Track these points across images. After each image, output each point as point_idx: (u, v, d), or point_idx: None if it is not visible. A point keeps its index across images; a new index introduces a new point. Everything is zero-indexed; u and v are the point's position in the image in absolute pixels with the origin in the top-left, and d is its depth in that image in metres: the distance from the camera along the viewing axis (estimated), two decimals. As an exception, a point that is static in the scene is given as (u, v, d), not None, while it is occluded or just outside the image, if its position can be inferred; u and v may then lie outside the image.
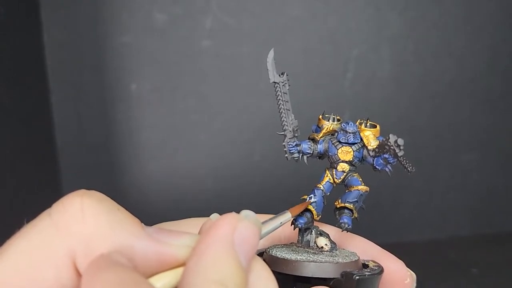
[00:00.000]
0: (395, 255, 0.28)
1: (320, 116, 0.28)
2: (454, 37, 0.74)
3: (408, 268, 0.27)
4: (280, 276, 0.24)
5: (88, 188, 0.20)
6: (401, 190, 0.76)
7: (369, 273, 0.25)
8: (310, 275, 0.25)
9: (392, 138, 0.25)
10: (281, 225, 0.24)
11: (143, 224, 0.20)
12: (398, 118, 0.73)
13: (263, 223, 0.23)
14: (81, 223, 0.19)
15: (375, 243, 0.29)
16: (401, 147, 0.25)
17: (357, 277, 0.24)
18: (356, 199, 0.27)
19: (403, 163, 0.26)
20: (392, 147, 0.25)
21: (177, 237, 0.20)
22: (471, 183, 0.78)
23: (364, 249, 0.28)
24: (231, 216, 0.20)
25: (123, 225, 0.19)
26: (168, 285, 0.20)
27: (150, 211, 0.69)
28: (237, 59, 0.69)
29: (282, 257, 0.25)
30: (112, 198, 0.21)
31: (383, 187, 0.74)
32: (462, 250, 0.73)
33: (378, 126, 0.27)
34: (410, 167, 0.26)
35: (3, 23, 0.54)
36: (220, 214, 0.30)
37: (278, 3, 0.69)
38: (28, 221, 0.20)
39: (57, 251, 0.19)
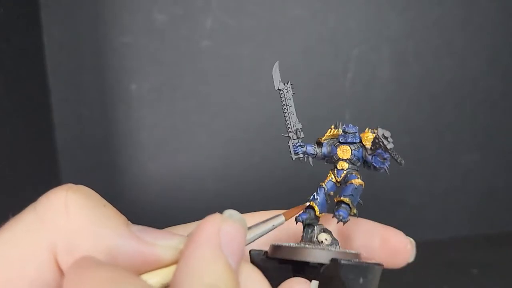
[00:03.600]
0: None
1: (332, 126, 0.29)
2: (454, 37, 0.74)
3: (406, 236, 0.29)
4: (278, 266, 0.25)
5: (88, 188, 0.20)
6: (401, 190, 0.76)
7: (357, 262, 0.25)
8: (299, 259, 0.25)
9: (380, 131, 0.26)
10: (274, 228, 0.24)
11: (129, 222, 0.20)
12: (398, 118, 0.73)
13: (254, 226, 0.23)
14: (64, 218, 0.19)
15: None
16: (389, 139, 0.26)
17: (343, 262, 0.24)
18: (351, 193, 0.27)
19: (393, 155, 0.26)
20: (381, 140, 0.26)
21: (163, 237, 0.20)
22: (471, 183, 0.78)
23: (365, 228, 0.29)
24: (214, 217, 0.20)
25: (107, 222, 0.19)
26: (157, 285, 0.19)
27: (150, 210, 0.69)
28: (237, 59, 0.69)
29: (279, 244, 0.26)
30: (111, 198, 0.21)
31: (384, 187, 0.74)
32: (462, 250, 0.73)
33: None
34: (399, 159, 0.27)
35: (3, 23, 0.54)
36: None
37: (278, 3, 0.69)
38: (13, 215, 0.20)
39: (39, 245, 0.18)
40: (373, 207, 0.74)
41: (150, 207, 0.70)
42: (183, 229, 0.28)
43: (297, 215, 0.27)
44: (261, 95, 0.69)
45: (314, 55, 0.71)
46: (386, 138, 0.26)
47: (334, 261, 0.24)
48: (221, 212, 0.20)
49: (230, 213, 0.20)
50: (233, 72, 0.70)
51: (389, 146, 0.26)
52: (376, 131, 0.27)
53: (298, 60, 0.71)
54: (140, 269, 0.19)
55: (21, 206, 0.20)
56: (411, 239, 0.29)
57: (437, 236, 0.76)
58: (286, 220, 0.25)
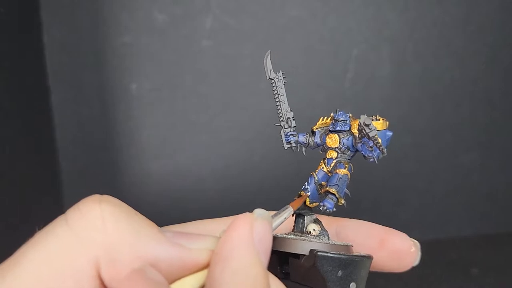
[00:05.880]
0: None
1: (332, 114, 0.28)
2: (454, 37, 0.74)
3: (411, 238, 0.28)
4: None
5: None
6: (402, 190, 0.75)
7: (334, 253, 0.24)
8: (280, 249, 0.25)
9: (361, 118, 0.26)
10: (285, 220, 0.24)
11: (159, 227, 0.20)
12: (398, 118, 0.73)
13: None
14: (103, 231, 0.19)
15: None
16: (370, 127, 0.25)
17: (319, 253, 0.24)
18: (336, 183, 0.26)
19: (376, 143, 0.26)
20: (363, 128, 0.25)
21: (197, 240, 0.20)
22: (471, 183, 0.78)
23: (365, 229, 0.28)
24: (246, 217, 0.20)
25: (144, 231, 0.19)
26: None
27: (150, 210, 0.69)
28: (237, 59, 0.69)
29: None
30: None
31: (385, 187, 0.74)
32: (463, 250, 0.73)
33: (381, 119, 0.27)
34: (382, 147, 0.26)
35: (3, 23, 0.54)
36: (220, 213, 0.31)
37: (278, 3, 0.69)
38: (40, 228, 0.19)
39: (78, 260, 0.18)
40: (374, 208, 0.74)
41: (150, 207, 0.70)
42: (181, 229, 0.28)
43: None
44: (261, 95, 0.69)
45: (314, 55, 0.71)
46: (367, 125, 0.25)
47: (311, 252, 0.24)
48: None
49: (260, 212, 0.21)
50: (233, 72, 0.70)
51: (371, 133, 0.25)
52: (375, 117, 0.27)
53: (298, 60, 0.71)
54: (178, 274, 0.20)
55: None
56: (416, 241, 0.28)
57: (437, 236, 0.76)
58: (294, 211, 0.25)
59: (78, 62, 0.67)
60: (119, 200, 0.20)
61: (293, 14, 0.70)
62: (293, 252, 0.25)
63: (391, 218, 0.75)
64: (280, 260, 0.26)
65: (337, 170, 0.27)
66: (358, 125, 0.26)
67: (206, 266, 0.20)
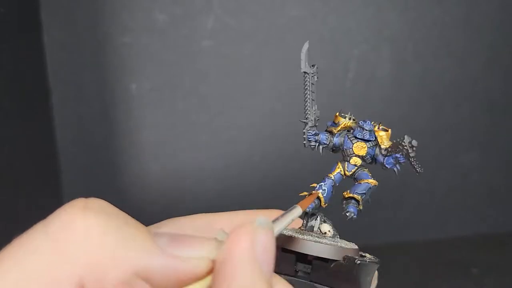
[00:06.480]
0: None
1: (337, 114, 0.30)
2: (454, 37, 0.74)
3: None
4: (281, 256, 0.25)
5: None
6: (402, 190, 0.75)
7: (370, 260, 0.26)
8: (314, 254, 0.25)
9: (407, 139, 0.27)
10: (292, 221, 0.23)
11: (152, 233, 0.19)
12: (398, 118, 0.73)
13: (275, 221, 0.22)
14: (88, 247, 0.17)
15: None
16: (414, 148, 0.27)
17: (359, 262, 0.25)
18: (364, 192, 0.28)
19: (413, 163, 0.27)
20: (405, 148, 0.26)
21: (193, 248, 0.19)
22: (471, 183, 0.78)
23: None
24: (247, 229, 0.19)
25: (134, 243, 0.18)
26: None
27: (150, 211, 0.69)
28: (237, 59, 0.69)
29: (288, 234, 0.26)
30: (112, 198, 0.20)
31: (384, 187, 0.74)
32: (463, 250, 0.73)
33: (389, 130, 0.28)
34: (419, 168, 0.27)
35: (3, 23, 0.54)
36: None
37: (278, 3, 0.69)
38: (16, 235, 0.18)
39: (61, 278, 0.17)
40: (374, 207, 0.74)
41: (150, 207, 0.70)
42: (189, 221, 0.28)
43: None
44: (261, 95, 0.69)
45: (314, 55, 0.71)
46: (412, 146, 0.26)
47: (349, 259, 0.25)
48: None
49: (260, 221, 0.19)
50: (233, 72, 0.70)
51: (412, 154, 0.27)
52: (401, 138, 0.27)
53: (298, 60, 0.71)
54: (175, 286, 0.18)
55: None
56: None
57: (437, 236, 0.76)
58: (302, 210, 0.24)
59: (78, 62, 0.67)
60: (107, 204, 0.19)
61: (293, 14, 0.70)
62: (325, 257, 0.25)
63: (391, 218, 0.75)
64: (296, 259, 0.26)
65: (369, 181, 0.28)
66: (398, 143, 0.27)
67: (205, 275, 0.19)
